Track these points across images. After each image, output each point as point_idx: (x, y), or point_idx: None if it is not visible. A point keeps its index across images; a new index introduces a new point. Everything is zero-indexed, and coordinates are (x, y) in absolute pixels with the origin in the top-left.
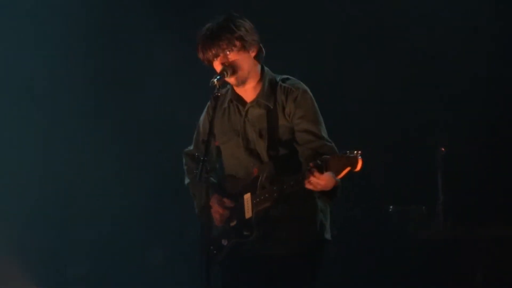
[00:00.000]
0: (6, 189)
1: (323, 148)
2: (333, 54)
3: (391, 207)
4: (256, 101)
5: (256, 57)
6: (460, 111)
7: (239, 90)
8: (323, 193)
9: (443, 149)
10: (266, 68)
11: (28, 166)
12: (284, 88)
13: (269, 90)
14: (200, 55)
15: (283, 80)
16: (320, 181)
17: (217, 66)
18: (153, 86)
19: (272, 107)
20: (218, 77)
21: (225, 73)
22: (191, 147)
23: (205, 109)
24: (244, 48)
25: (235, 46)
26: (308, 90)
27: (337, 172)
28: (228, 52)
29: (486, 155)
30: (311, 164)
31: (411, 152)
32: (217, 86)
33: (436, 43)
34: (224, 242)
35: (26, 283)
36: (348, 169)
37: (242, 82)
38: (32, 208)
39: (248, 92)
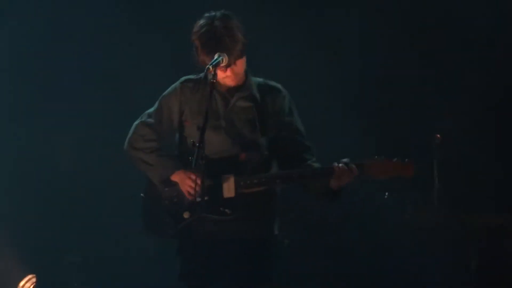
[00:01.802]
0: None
1: (305, 146)
2: (329, 48)
3: (386, 194)
4: (246, 93)
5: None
6: (456, 98)
7: (227, 81)
8: (331, 192)
9: (438, 136)
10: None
11: (22, 156)
12: (272, 87)
13: (256, 85)
14: (204, 58)
15: (266, 80)
16: (351, 178)
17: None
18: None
19: (259, 101)
20: (213, 63)
21: (220, 60)
22: (151, 120)
23: (176, 90)
24: (244, 53)
25: (240, 52)
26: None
27: (381, 174)
28: (236, 59)
29: (482, 142)
30: (351, 164)
31: (406, 139)
32: (213, 73)
33: (433, 30)
34: (186, 215)
35: (22, 270)
36: (396, 174)
37: (237, 82)
38: (27, 196)
39: (235, 84)
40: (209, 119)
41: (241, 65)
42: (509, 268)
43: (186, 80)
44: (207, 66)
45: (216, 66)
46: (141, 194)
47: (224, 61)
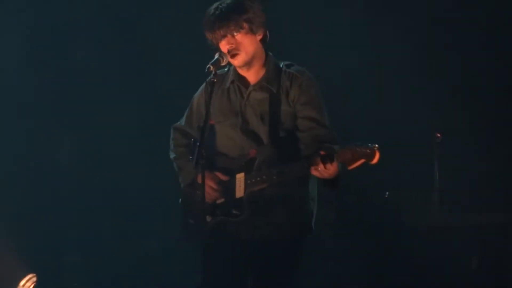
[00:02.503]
0: None
1: (325, 137)
2: (327, 43)
3: (387, 193)
4: (259, 85)
5: (262, 41)
6: (457, 97)
7: (243, 72)
8: (326, 182)
9: (439, 135)
10: (269, 53)
11: (23, 156)
12: (289, 74)
13: (273, 74)
14: (208, 35)
15: (288, 66)
16: (328, 170)
17: (224, 46)
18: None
19: (275, 92)
20: (213, 62)
21: (220, 58)
22: (182, 123)
23: (201, 89)
24: (251, 30)
25: (242, 28)
26: (313, 78)
27: (350, 163)
28: (235, 34)
29: (482, 141)
30: (322, 152)
31: (407, 138)
32: (213, 72)
33: (434, 28)
34: (209, 218)
35: (22, 270)
36: (362, 161)
37: (246, 65)
38: (27, 195)
39: (252, 74)
40: (229, 116)
41: (248, 43)
42: (511, 267)
43: (208, 83)
44: (208, 66)
45: (216, 65)
46: (179, 200)
47: (224, 60)
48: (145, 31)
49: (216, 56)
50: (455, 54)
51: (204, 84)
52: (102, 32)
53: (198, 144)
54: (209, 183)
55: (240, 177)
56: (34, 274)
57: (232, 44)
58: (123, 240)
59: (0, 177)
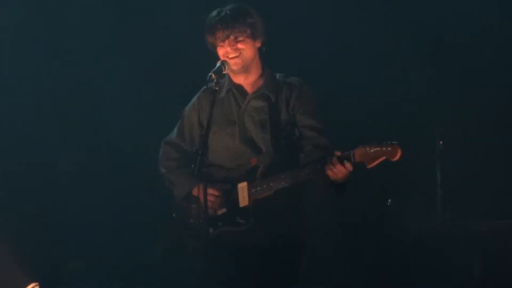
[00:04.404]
0: (1, 183)
1: (325, 145)
2: (328, 48)
3: (389, 200)
4: (259, 93)
5: (260, 49)
6: (459, 104)
7: (239, 80)
8: (335, 184)
9: (441, 142)
10: (266, 65)
11: (25, 160)
12: (288, 84)
13: (272, 84)
14: (209, 38)
15: (285, 76)
16: (347, 168)
17: (223, 49)
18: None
19: (274, 100)
20: (215, 70)
21: (222, 67)
22: (173, 136)
23: (194, 101)
24: (252, 36)
25: (245, 31)
26: (311, 87)
27: (370, 161)
28: (238, 36)
29: (485, 147)
30: (337, 153)
31: (409, 145)
32: (215, 80)
33: (436, 32)
34: (211, 230)
35: (25, 278)
36: (383, 158)
37: (243, 70)
38: (28, 201)
39: (249, 83)
40: (225, 125)
41: (247, 48)
42: None
43: (204, 90)
44: (209, 74)
45: (218, 73)
46: (173, 214)
47: (226, 68)
48: (149, 34)
49: (218, 64)
50: (459, 58)
51: (196, 97)
52: (104, 33)
53: (200, 152)
54: (211, 192)
55: (242, 186)
56: (37, 283)
57: (233, 46)
58: (128, 248)
59: (2, 183)
